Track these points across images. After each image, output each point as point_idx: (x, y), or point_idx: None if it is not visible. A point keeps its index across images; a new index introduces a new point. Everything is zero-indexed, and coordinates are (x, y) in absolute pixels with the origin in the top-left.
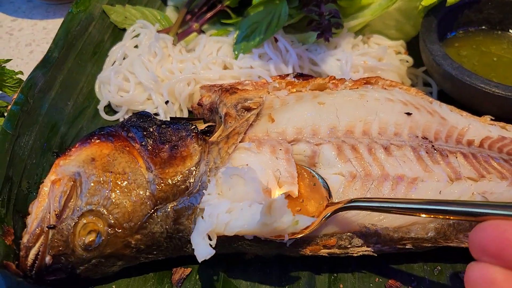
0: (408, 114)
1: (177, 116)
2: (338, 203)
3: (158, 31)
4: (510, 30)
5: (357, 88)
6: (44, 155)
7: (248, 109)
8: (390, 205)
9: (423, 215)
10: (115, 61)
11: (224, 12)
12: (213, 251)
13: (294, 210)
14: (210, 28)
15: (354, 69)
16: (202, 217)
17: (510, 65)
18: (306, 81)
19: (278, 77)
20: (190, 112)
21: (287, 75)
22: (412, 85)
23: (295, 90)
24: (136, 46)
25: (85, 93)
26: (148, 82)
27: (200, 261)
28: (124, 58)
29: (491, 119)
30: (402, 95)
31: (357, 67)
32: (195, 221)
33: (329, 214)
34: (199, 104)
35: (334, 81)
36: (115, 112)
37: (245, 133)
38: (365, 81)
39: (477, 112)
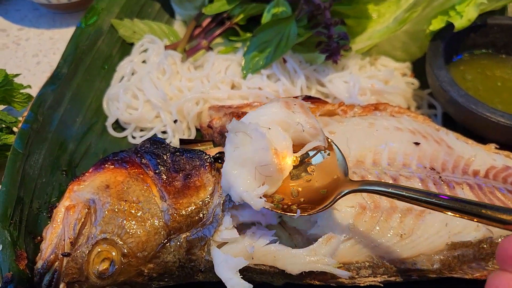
0: (416, 144)
1: (185, 135)
2: (354, 182)
3: (166, 46)
4: None
5: (366, 115)
6: (54, 174)
7: None
8: (411, 195)
9: (449, 213)
10: (123, 77)
11: (232, 28)
12: (251, 286)
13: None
14: (218, 45)
15: (362, 91)
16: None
17: None
18: (315, 107)
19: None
20: (197, 130)
21: (296, 97)
22: (418, 107)
23: None
24: (144, 61)
25: (93, 109)
26: (157, 100)
27: None
28: (132, 74)
29: (496, 147)
30: (410, 123)
31: (364, 90)
32: (209, 252)
33: (343, 193)
34: (209, 126)
35: (343, 107)
36: (123, 129)
37: None
38: (373, 107)
39: (481, 138)
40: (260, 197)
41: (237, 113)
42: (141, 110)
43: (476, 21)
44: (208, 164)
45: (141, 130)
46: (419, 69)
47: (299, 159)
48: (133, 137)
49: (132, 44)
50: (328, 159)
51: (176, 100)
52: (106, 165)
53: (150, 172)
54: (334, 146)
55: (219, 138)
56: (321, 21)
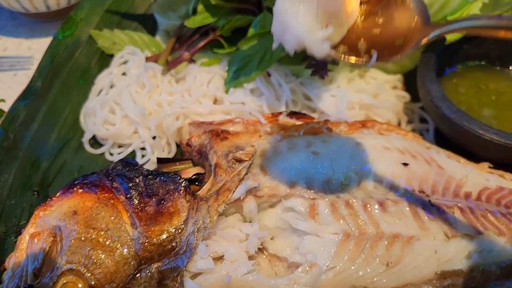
0: (405, 164)
1: (165, 151)
2: (438, 24)
3: (147, 58)
4: (510, 67)
5: (353, 133)
6: (24, 194)
7: (240, 160)
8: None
9: None
10: (101, 90)
11: (216, 39)
12: None
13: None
14: (201, 56)
15: (350, 106)
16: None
17: (508, 105)
18: (299, 125)
19: (271, 115)
20: (178, 146)
21: (280, 113)
22: (409, 122)
23: (287, 135)
24: (124, 74)
25: (69, 124)
26: (135, 116)
27: None
28: (111, 87)
29: (489, 166)
30: (399, 141)
31: (353, 104)
32: (182, 283)
33: (431, 36)
34: (188, 144)
35: (328, 125)
36: (100, 145)
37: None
38: (361, 125)
39: (474, 155)
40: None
41: (217, 131)
42: (118, 126)
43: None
44: (182, 188)
45: (119, 147)
46: (411, 81)
47: (366, 6)
48: (111, 154)
49: (111, 56)
50: (401, 6)
51: (155, 115)
52: (74, 189)
53: (121, 196)
54: None
55: (198, 157)
56: None
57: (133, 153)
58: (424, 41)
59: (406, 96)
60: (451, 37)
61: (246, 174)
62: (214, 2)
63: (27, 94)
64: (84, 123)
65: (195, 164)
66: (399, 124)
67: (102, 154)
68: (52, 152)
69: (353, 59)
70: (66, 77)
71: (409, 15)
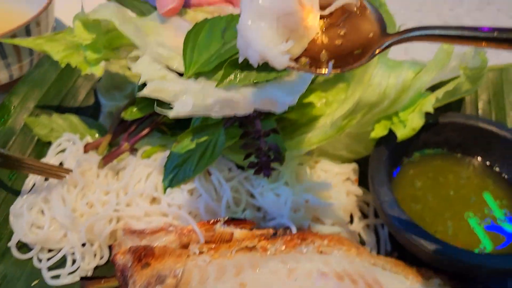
0: None
1: (97, 256)
2: (395, 34)
3: (87, 145)
4: (470, 155)
5: (290, 251)
6: None
7: None
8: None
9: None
10: (34, 185)
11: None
12: None
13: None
14: (144, 143)
15: (296, 207)
16: None
17: (465, 202)
18: (232, 242)
19: (207, 223)
20: (111, 249)
21: (217, 221)
22: (363, 215)
23: (218, 256)
24: (61, 164)
25: None
26: (63, 220)
27: None
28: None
29: (440, 283)
30: (339, 262)
31: (298, 206)
32: None
33: (384, 45)
34: (113, 262)
35: (263, 243)
36: (30, 249)
37: None
38: (300, 239)
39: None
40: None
41: (139, 254)
42: (47, 229)
43: (427, 119)
44: None
45: (50, 251)
46: (366, 169)
47: (327, 20)
48: (39, 260)
49: (49, 143)
50: (361, 18)
51: (86, 217)
52: None
53: None
54: (367, 5)
55: (121, 279)
56: (250, 130)
57: (63, 258)
58: (378, 50)
59: (359, 191)
60: (402, 135)
61: None
62: None
63: None
64: (14, 224)
65: (120, 284)
66: (351, 220)
67: (30, 259)
68: None
69: (314, 70)
70: None
71: (368, 26)
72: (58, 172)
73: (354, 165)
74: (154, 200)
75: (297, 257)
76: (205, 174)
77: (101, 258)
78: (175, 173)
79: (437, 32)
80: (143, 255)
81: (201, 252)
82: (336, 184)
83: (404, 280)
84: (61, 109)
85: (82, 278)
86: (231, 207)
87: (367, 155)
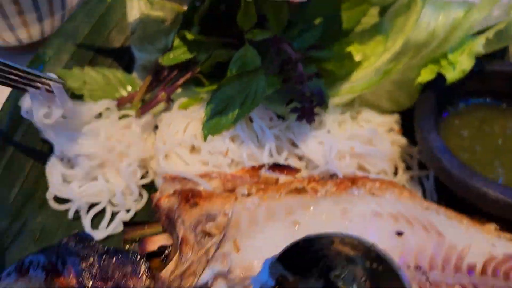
0: (399, 234)
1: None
2: None
3: (121, 99)
4: None
5: (341, 193)
6: None
7: (210, 234)
8: None
9: None
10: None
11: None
12: None
13: None
14: (180, 95)
15: (340, 155)
16: None
17: None
18: (281, 185)
19: (251, 169)
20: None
21: (261, 166)
22: (407, 167)
23: (266, 198)
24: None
25: (32, 178)
26: (100, 150)
27: None
28: None
29: (496, 228)
30: (392, 204)
31: (343, 153)
32: None
33: None
34: (157, 206)
35: (313, 184)
36: (66, 200)
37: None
38: (350, 182)
39: (477, 211)
40: None
41: (186, 195)
42: (81, 181)
43: (473, 66)
44: (141, 271)
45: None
46: (409, 120)
47: None
48: (77, 212)
49: (82, 96)
50: None
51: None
52: (18, 274)
53: (72, 279)
54: None
55: (167, 222)
56: (292, 75)
57: (103, 210)
58: None
59: (403, 141)
60: (451, 77)
61: (216, 251)
62: (190, 38)
63: None
64: (49, 178)
65: (164, 228)
66: (395, 172)
67: (66, 212)
68: (12, 210)
69: None
70: (31, 124)
71: None
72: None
73: (396, 116)
74: (193, 150)
75: (349, 198)
76: (246, 121)
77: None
78: (216, 121)
79: None
80: (190, 196)
81: (249, 194)
82: (380, 134)
83: (458, 225)
84: (95, 62)
85: (125, 224)
86: (273, 156)
87: (409, 107)
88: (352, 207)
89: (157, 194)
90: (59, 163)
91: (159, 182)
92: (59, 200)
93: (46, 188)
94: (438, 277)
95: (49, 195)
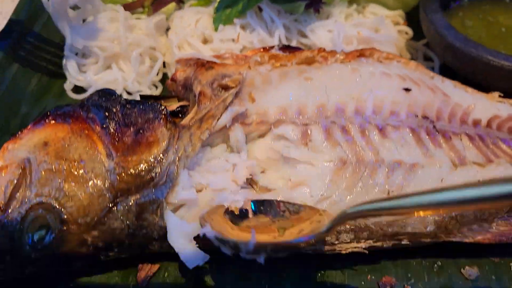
0: (407, 90)
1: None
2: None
3: (132, 3)
4: None
5: (350, 61)
6: (2, 138)
7: (226, 88)
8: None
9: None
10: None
11: None
12: (207, 256)
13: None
14: None
15: (347, 40)
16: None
17: None
18: (292, 54)
19: (262, 50)
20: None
21: (272, 47)
22: (412, 59)
23: (279, 65)
24: None
25: (51, 69)
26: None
27: (191, 268)
28: None
29: (500, 96)
30: (399, 69)
31: (350, 39)
32: (162, 216)
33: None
34: (173, 80)
35: (323, 53)
36: (84, 90)
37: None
38: (358, 54)
39: (484, 88)
40: None
41: (202, 62)
42: (101, 70)
43: None
44: (162, 116)
45: None
46: (413, 19)
47: None
48: None
49: None
50: None
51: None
52: (46, 121)
53: (97, 127)
54: None
55: (183, 92)
56: None
57: None
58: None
59: (409, 31)
60: None
61: (232, 101)
62: None
63: (5, 35)
64: (66, 68)
65: (180, 100)
66: None
67: None
68: (33, 97)
69: None
70: (48, 18)
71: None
72: None
73: (401, 12)
74: (205, 42)
75: (358, 63)
76: (256, 10)
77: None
78: (226, 12)
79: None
80: (206, 62)
81: (262, 62)
82: (386, 24)
83: (463, 91)
84: None
85: (141, 97)
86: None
87: (413, 5)
88: (361, 67)
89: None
90: (74, 55)
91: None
92: (77, 90)
93: (63, 80)
94: (444, 127)
95: (67, 86)
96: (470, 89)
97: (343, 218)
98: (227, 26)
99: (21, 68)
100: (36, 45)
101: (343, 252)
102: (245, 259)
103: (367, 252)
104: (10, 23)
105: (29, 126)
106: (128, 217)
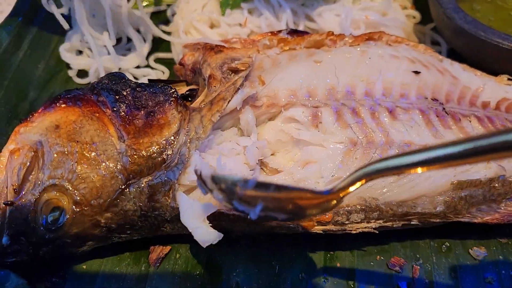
0: (416, 72)
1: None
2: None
3: None
4: None
5: (358, 44)
6: (10, 123)
7: (236, 71)
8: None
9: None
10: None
11: None
12: (221, 235)
13: None
14: None
15: (355, 25)
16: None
17: None
18: (300, 38)
19: (270, 34)
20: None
21: (280, 31)
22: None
23: (287, 48)
24: None
25: (57, 54)
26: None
27: (204, 247)
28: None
29: (508, 79)
30: (408, 51)
31: (358, 23)
32: (174, 198)
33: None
34: (181, 64)
35: (332, 37)
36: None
37: (231, 98)
38: (367, 37)
39: (492, 71)
40: None
41: (211, 45)
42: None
43: None
44: (173, 99)
45: None
46: (421, 3)
47: None
48: None
49: None
50: None
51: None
52: (57, 104)
53: (107, 110)
54: None
55: (192, 76)
56: None
57: None
58: None
59: (417, 15)
60: None
61: (242, 84)
62: None
63: (10, 21)
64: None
65: (189, 85)
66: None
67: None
68: (40, 82)
69: None
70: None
71: None
72: None
73: None
74: (212, 26)
75: (367, 45)
76: None
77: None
78: None
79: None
80: (214, 46)
81: (270, 46)
82: (394, 8)
83: (472, 74)
84: None
85: (150, 81)
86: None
87: None
88: (370, 50)
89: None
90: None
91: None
92: (82, 75)
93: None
94: (454, 109)
95: (72, 73)
96: (479, 72)
97: (359, 177)
98: (235, 10)
99: (27, 53)
100: (42, 33)
101: (353, 231)
102: (252, 236)
103: (377, 232)
104: (15, 10)
105: (40, 110)
106: (141, 199)
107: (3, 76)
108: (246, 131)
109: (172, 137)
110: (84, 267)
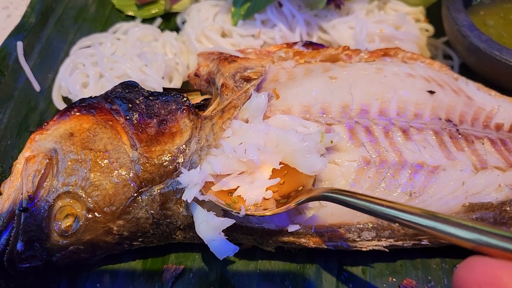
0: (431, 92)
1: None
2: (314, 190)
3: None
4: None
5: (374, 60)
6: (21, 135)
7: (248, 80)
8: (372, 207)
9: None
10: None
11: None
12: (237, 248)
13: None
14: None
15: (369, 38)
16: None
17: None
18: (316, 51)
19: (285, 46)
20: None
21: (295, 43)
22: (432, 57)
23: (303, 61)
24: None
25: None
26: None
27: (221, 259)
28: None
29: None
30: (424, 70)
31: (372, 36)
32: (186, 206)
33: (301, 201)
34: (196, 75)
35: (347, 52)
36: None
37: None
38: (383, 53)
39: (506, 90)
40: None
41: (225, 56)
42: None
43: None
44: (185, 107)
45: None
46: (434, 15)
47: None
48: None
49: None
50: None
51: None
52: (71, 112)
53: (121, 118)
54: None
55: (206, 86)
56: None
57: None
58: (294, 205)
59: (430, 28)
60: None
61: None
62: None
63: (20, 30)
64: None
65: (203, 94)
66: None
67: None
68: (50, 93)
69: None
70: (62, 14)
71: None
72: None
73: (422, 8)
74: (224, 35)
75: (382, 62)
76: (276, 6)
77: None
78: (246, 7)
79: (352, 200)
80: (229, 56)
81: (286, 58)
82: (408, 21)
83: (487, 95)
84: None
85: (164, 89)
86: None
87: (433, 2)
88: (386, 67)
89: (194, 69)
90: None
91: None
92: None
93: None
94: (467, 130)
95: None
96: (493, 92)
97: (318, 197)
98: (247, 21)
99: (37, 63)
100: (51, 40)
101: (364, 249)
102: (265, 252)
103: (388, 250)
104: (24, 19)
105: (55, 118)
106: (153, 207)
107: (13, 87)
108: (251, 117)
109: (184, 145)
110: (98, 285)
